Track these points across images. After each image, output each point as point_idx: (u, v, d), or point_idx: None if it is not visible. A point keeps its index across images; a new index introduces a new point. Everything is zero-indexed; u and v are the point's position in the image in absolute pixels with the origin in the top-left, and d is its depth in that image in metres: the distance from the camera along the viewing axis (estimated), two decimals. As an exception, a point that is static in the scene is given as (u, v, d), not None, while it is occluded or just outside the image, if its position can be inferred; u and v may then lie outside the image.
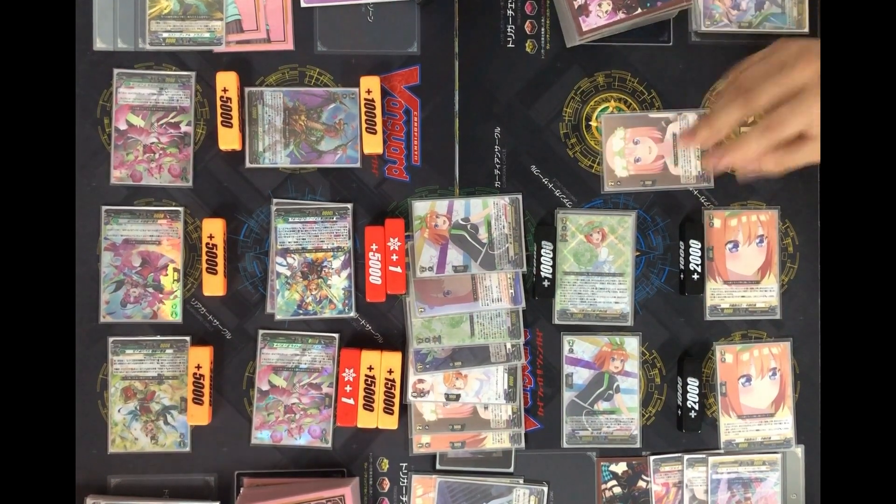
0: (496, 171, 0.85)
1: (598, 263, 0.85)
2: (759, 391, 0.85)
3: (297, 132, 0.84)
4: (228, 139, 0.81)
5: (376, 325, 0.84)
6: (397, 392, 0.81)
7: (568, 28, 0.84)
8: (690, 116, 0.84)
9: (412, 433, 0.83)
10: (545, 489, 0.84)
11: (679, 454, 0.85)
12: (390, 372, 0.81)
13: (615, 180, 0.85)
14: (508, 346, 0.83)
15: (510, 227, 0.83)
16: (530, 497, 0.84)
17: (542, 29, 0.86)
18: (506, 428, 0.83)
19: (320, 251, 0.83)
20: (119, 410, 0.82)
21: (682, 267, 0.85)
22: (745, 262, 0.86)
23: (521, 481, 0.84)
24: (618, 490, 0.85)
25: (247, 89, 0.84)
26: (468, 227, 0.83)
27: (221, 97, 0.81)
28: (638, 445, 0.85)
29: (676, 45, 0.87)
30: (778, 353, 0.86)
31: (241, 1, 0.84)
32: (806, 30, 0.85)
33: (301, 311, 0.83)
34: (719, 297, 0.86)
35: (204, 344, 0.82)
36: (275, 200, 0.83)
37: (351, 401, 0.81)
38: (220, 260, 0.81)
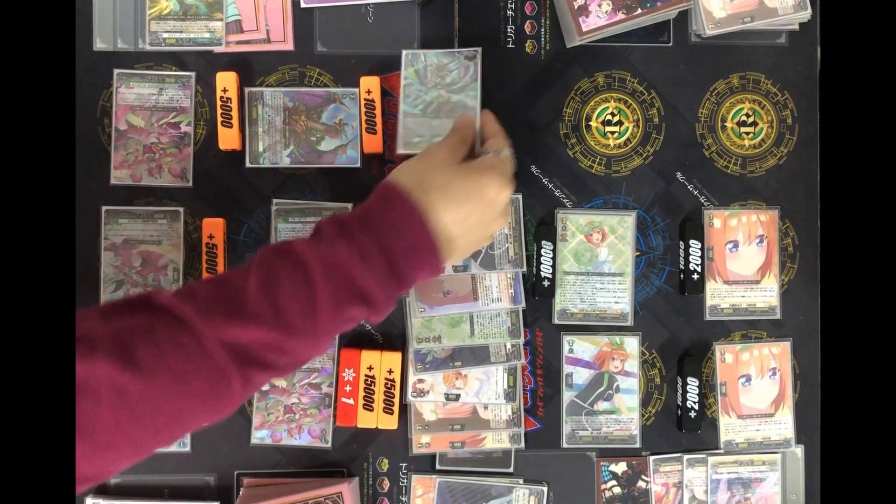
0: (496, 171, 0.85)
1: (598, 263, 0.85)
2: (759, 391, 0.85)
3: (298, 132, 0.84)
4: (228, 139, 0.81)
5: (376, 325, 0.84)
6: (397, 392, 0.81)
7: (568, 28, 0.84)
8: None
9: (412, 433, 0.83)
10: (545, 489, 0.84)
11: (679, 454, 0.85)
12: (390, 372, 0.81)
13: (714, 22, 0.84)
14: (508, 346, 0.83)
15: (510, 227, 0.83)
16: (530, 497, 0.84)
17: (542, 29, 0.86)
18: (506, 428, 0.83)
19: (320, 251, 0.83)
20: (119, 410, 0.82)
21: (682, 267, 0.85)
22: (745, 262, 0.86)
23: (521, 481, 0.84)
24: (617, 490, 0.85)
25: (247, 89, 0.84)
26: (468, 227, 0.83)
27: (221, 97, 0.81)
28: (638, 445, 0.85)
29: (676, 45, 0.87)
30: (778, 353, 0.86)
31: (241, 1, 0.84)
32: (808, 12, 0.84)
33: (301, 311, 0.82)
34: (719, 297, 0.86)
35: (204, 344, 0.82)
36: (275, 200, 0.83)
37: (351, 401, 0.81)
38: (220, 260, 0.81)
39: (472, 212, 0.65)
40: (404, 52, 0.82)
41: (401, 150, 0.79)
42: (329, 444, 0.83)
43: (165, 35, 0.83)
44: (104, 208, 0.83)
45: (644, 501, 0.85)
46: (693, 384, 0.84)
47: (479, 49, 0.82)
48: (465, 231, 0.65)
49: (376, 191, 0.65)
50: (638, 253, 0.86)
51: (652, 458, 0.85)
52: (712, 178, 0.87)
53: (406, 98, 0.80)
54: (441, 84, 0.79)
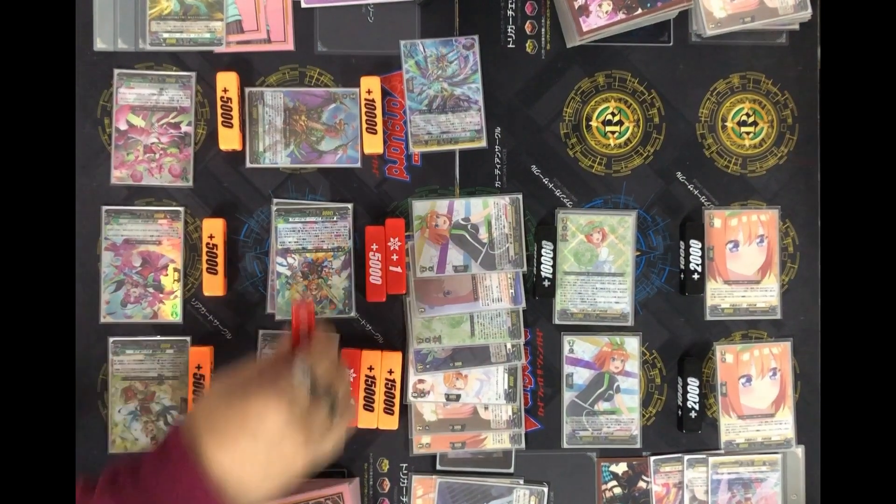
0: (496, 171, 0.85)
1: (599, 263, 0.85)
2: (760, 391, 0.85)
3: (298, 132, 0.84)
4: (229, 139, 0.81)
5: (376, 325, 0.84)
6: (397, 392, 0.81)
7: (568, 28, 0.84)
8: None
9: (412, 433, 0.83)
10: (545, 489, 0.84)
11: (679, 454, 0.85)
12: (390, 372, 0.81)
13: (715, 22, 0.84)
14: (508, 346, 0.83)
15: (510, 227, 0.83)
16: (530, 497, 0.84)
17: (543, 29, 0.86)
18: (506, 428, 0.83)
19: (320, 251, 0.83)
20: (119, 411, 0.82)
21: (682, 267, 0.85)
22: (746, 262, 0.86)
23: (522, 482, 0.84)
24: (618, 490, 0.85)
25: (247, 89, 0.84)
26: (468, 227, 0.83)
27: (222, 97, 0.81)
28: (638, 446, 0.85)
29: (676, 45, 0.87)
30: (778, 353, 0.85)
31: (242, 1, 0.84)
32: (808, 12, 0.84)
33: (301, 312, 0.83)
34: (719, 297, 0.86)
35: (204, 344, 0.82)
36: (275, 200, 0.83)
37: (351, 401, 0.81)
38: (221, 260, 0.81)
39: (251, 449, 0.57)
40: (402, 43, 0.82)
41: (413, 150, 0.82)
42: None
43: (166, 35, 0.83)
44: (104, 208, 0.83)
45: (644, 502, 0.85)
46: (693, 384, 0.84)
47: (476, 37, 0.83)
48: (253, 471, 0.57)
49: (166, 434, 0.60)
50: (638, 253, 0.86)
51: (652, 458, 0.85)
52: (712, 178, 0.86)
53: (410, 93, 0.80)
54: (443, 76, 0.80)
